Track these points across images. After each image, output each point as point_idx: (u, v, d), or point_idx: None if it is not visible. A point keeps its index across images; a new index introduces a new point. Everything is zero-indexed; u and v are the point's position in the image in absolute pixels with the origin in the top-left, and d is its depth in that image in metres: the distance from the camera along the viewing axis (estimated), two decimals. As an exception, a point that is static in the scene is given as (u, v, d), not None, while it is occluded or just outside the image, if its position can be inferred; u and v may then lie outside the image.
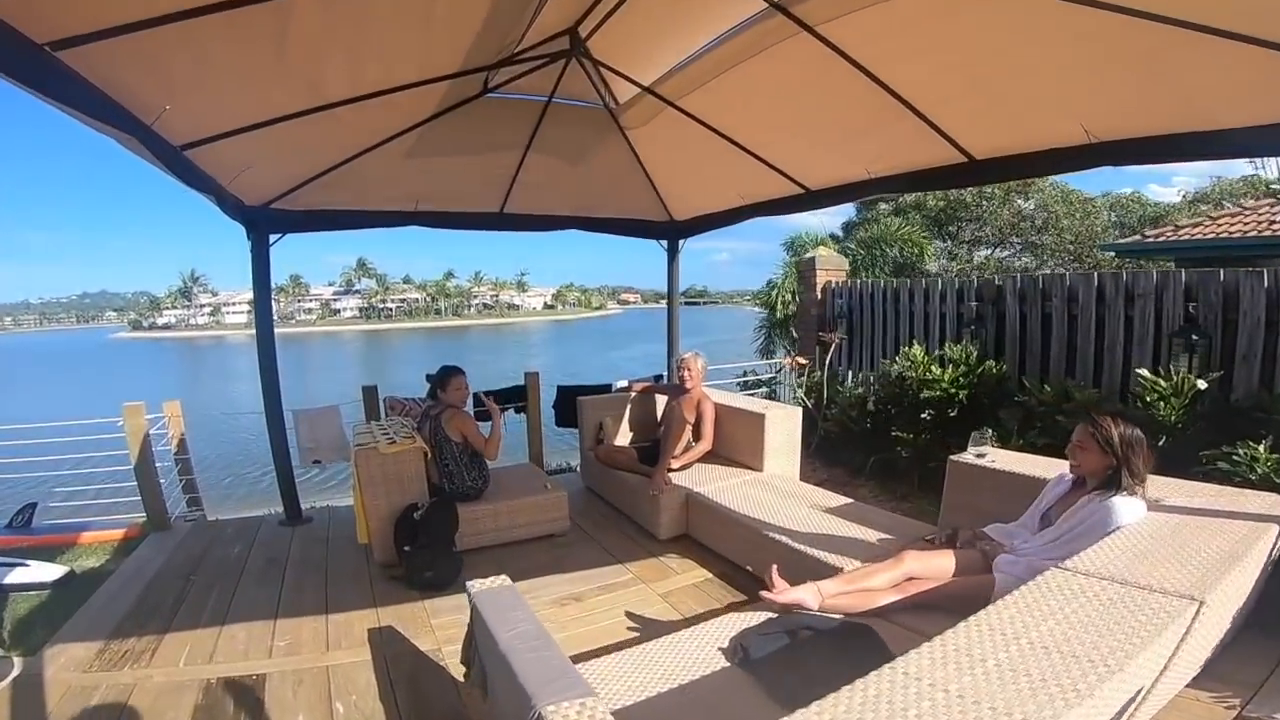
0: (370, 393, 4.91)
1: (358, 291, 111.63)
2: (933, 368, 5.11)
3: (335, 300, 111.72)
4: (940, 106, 3.14)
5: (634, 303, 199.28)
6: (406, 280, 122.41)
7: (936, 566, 2.41)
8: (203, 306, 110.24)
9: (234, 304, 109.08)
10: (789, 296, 10.14)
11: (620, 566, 3.67)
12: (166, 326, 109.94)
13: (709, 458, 4.41)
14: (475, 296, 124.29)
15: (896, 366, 5.41)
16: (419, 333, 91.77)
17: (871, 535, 3.13)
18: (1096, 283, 4.80)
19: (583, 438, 5.01)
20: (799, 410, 4.46)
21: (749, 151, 4.21)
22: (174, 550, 4.12)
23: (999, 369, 5.09)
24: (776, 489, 3.91)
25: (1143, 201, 15.42)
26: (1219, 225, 10.28)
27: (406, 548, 3.50)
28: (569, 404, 5.42)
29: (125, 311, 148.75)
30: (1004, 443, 4.13)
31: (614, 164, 4.85)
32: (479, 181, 4.69)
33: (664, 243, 6.08)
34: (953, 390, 4.95)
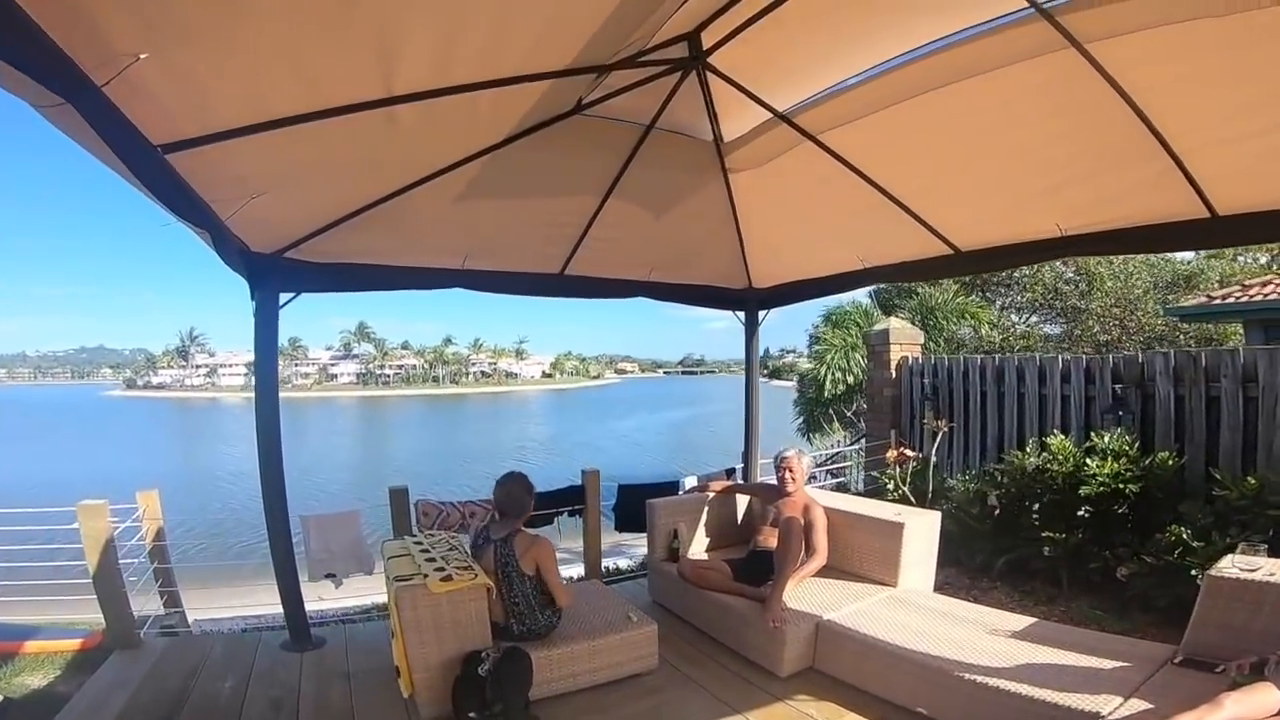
0: (399, 497, 3.85)
1: (355, 356, 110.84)
2: (1087, 460, 4.47)
3: (332, 365, 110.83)
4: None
5: (631, 372, 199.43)
6: (405, 346, 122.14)
7: (1260, 704, 1.99)
8: (199, 367, 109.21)
9: (231, 365, 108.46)
10: (839, 374, 9.23)
11: (739, 718, 2.86)
12: (161, 386, 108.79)
13: (823, 571, 3.72)
14: (474, 364, 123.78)
15: (1032, 459, 4.77)
16: (417, 400, 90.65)
17: (1101, 664, 2.59)
18: (1282, 358, 4.08)
19: (652, 547, 4.21)
20: (937, 515, 3.84)
21: (897, 201, 3.41)
22: (143, 680, 3.13)
23: (1174, 460, 4.38)
24: (926, 608, 3.30)
25: (1172, 260, 14.79)
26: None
27: (472, 715, 2.61)
28: (634, 506, 4.64)
29: (121, 369, 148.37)
30: (1206, 542, 3.66)
31: (704, 215, 4.03)
32: (541, 235, 3.81)
33: (741, 314, 5.18)
34: (1119, 484, 4.28)
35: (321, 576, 3.74)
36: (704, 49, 2.73)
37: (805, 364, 20.39)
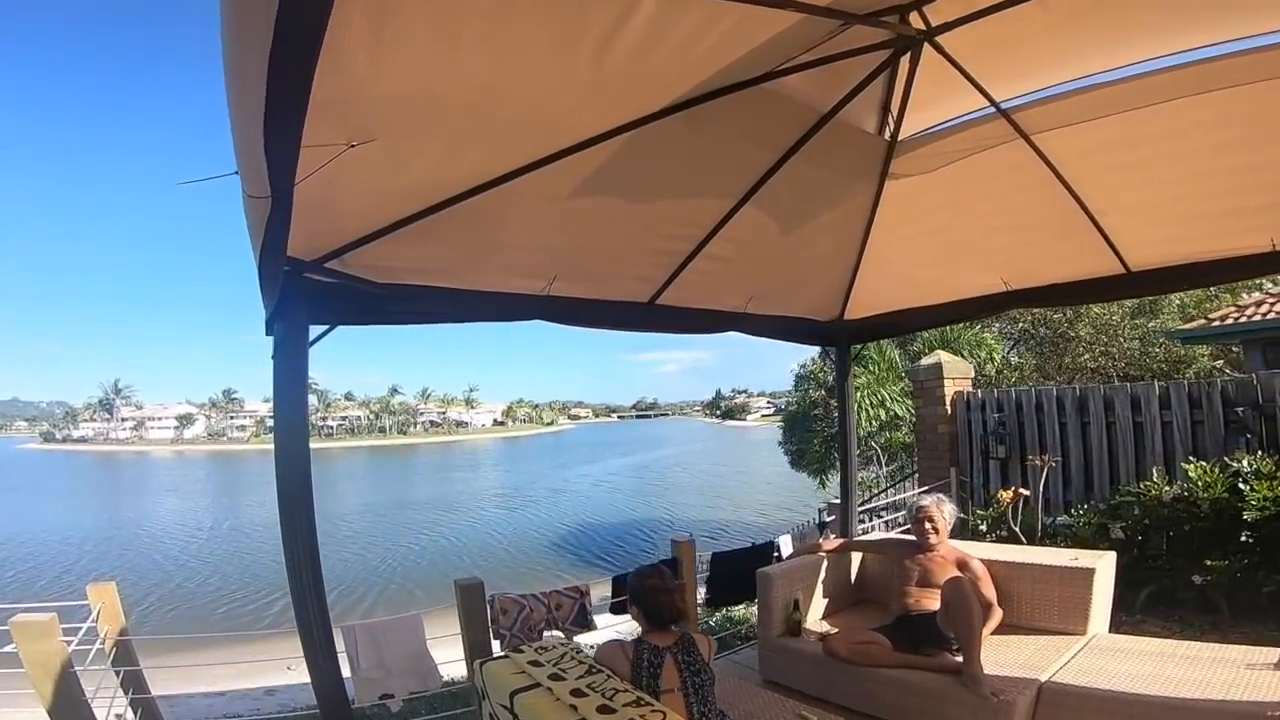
0: (471, 593, 2.82)
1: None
2: (1239, 484, 4.27)
3: (270, 417, 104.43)
4: None
5: (585, 417, 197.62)
6: (349, 397, 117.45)
7: None
8: (124, 420, 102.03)
9: (159, 419, 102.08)
10: (876, 411, 8.63)
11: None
12: (82, 439, 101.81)
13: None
14: (421, 413, 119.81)
15: (1167, 488, 4.58)
16: (361, 451, 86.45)
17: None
18: None
19: (767, 622, 3.64)
20: (1113, 555, 3.52)
21: (1089, 213, 2.84)
22: None
23: None
24: (1140, 653, 2.93)
25: None
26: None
27: None
28: (731, 575, 4.12)
29: (37, 422, 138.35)
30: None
31: (832, 231, 3.36)
32: (649, 250, 3.00)
33: (831, 351, 4.46)
34: None
35: (375, 699, 2.72)
36: (931, 26, 2.10)
37: (791, 402, 20.14)
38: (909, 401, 10.94)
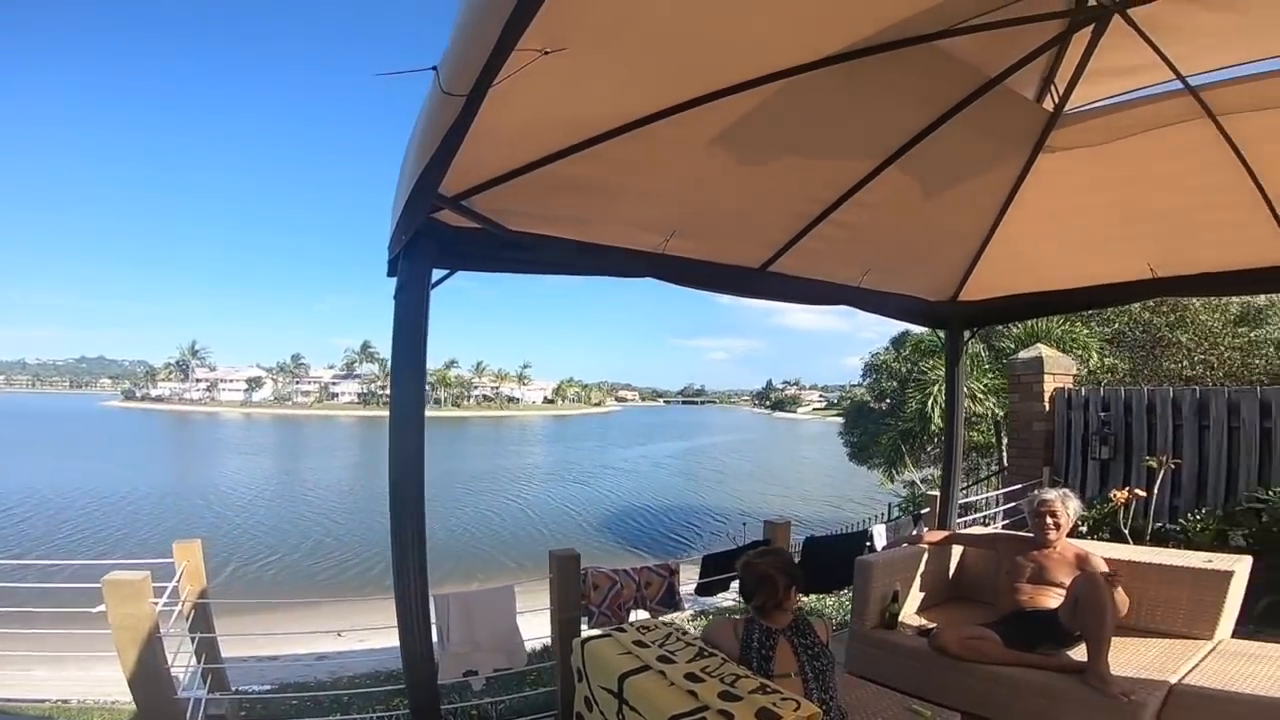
0: (568, 565, 2.74)
1: (358, 376, 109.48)
2: None
3: (334, 384, 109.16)
4: None
5: (631, 400, 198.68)
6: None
7: None
8: (199, 381, 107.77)
9: (231, 381, 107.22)
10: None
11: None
12: (159, 398, 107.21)
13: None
14: (476, 387, 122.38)
15: None
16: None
17: None
18: None
19: (862, 613, 3.45)
20: (1249, 560, 3.33)
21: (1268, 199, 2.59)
22: None
23: None
24: (1272, 658, 2.78)
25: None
26: None
27: None
28: (824, 563, 3.97)
29: (120, 380, 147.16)
30: None
31: (971, 202, 3.14)
32: (777, 210, 2.85)
33: (941, 334, 4.22)
34: None
35: (459, 675, 2.66)
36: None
37: (861, 393, 19.59)
38: (990, 399, 10.44)
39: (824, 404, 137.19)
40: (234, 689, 3.74)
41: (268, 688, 4.70)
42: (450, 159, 1.58)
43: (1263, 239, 2.81)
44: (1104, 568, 3.10)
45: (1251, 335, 12.75)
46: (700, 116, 2.06)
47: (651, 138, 2.10)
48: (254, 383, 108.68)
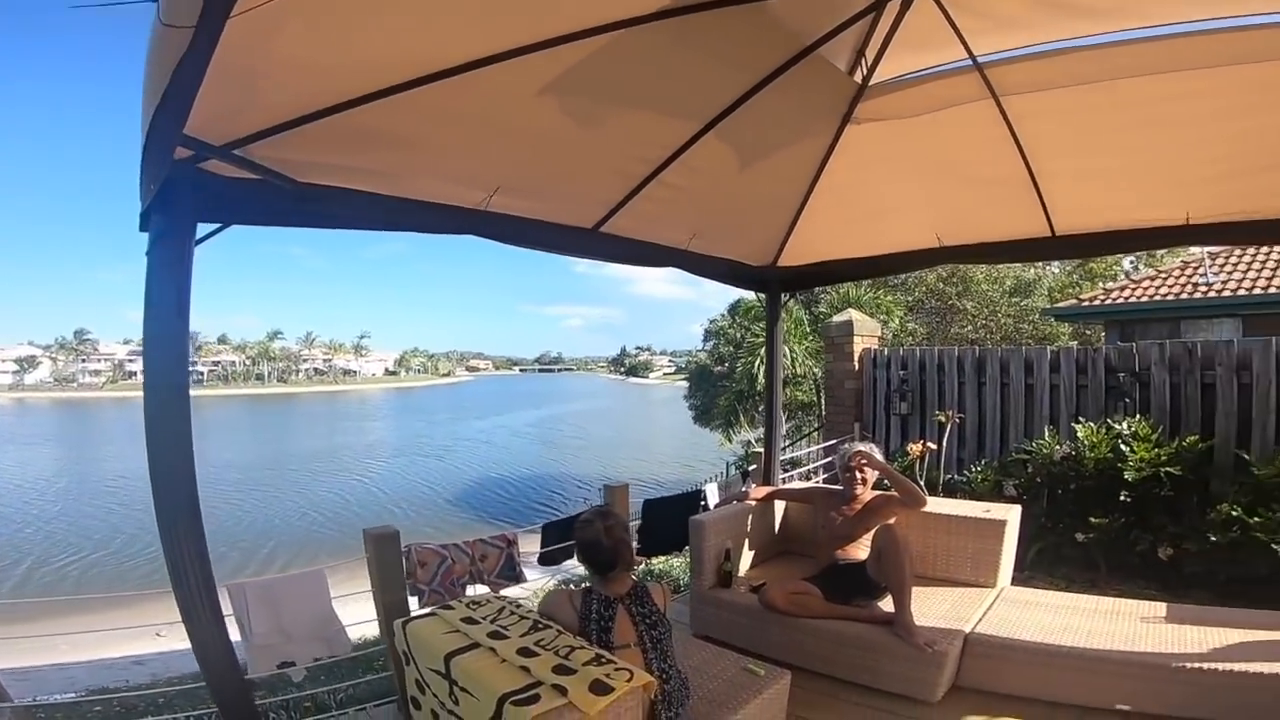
0: (387, 544, 2.53)
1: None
2: (1121, 445, 4.58)
3: (130, 361, 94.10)
4: None
5: (484, 369, 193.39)
6: (222, 340, 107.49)
7: None
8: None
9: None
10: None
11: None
12: None
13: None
14: (305, 360, 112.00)
15: (1059, 447, 4.86)
16: (236, 400, 79.64)
17: (1255, 635, 2.67)
18: (1276, 348, 4.55)
19: (700, 572, 3.53)
20: (1018, 509, 3.65)
21: (1034, 180, 2.97)
22: None
23: (1202, 443, 4.58)
24: (1048, 605, 3.20)
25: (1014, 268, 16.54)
26: (1143, 289, 10.89)
27: None
28: (663, 524, 3.91)
29: None
30: (1263, 516, 3.86)
31: (783, 173, 3.28)
32: (607, 169, 2.79)
33: (762, 296, 4.46)
34: (1156, 468, 4.39)
35: (273, 668, 2.40)
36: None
37: (703, 358, 20.56)
38: (811, 361, 11.43)
39: (673, 369, 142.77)
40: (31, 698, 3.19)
41: (72, 696, 4.25)
42: (188, 102, 1.31)
43: (1027, 212, 3.16)
44: (901, 512, 3.33)
45: (1022, 304, 15.16)
46: (522, 66, 1.93)
47: (466, 85, 1.94)
48: (26, 362, 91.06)
